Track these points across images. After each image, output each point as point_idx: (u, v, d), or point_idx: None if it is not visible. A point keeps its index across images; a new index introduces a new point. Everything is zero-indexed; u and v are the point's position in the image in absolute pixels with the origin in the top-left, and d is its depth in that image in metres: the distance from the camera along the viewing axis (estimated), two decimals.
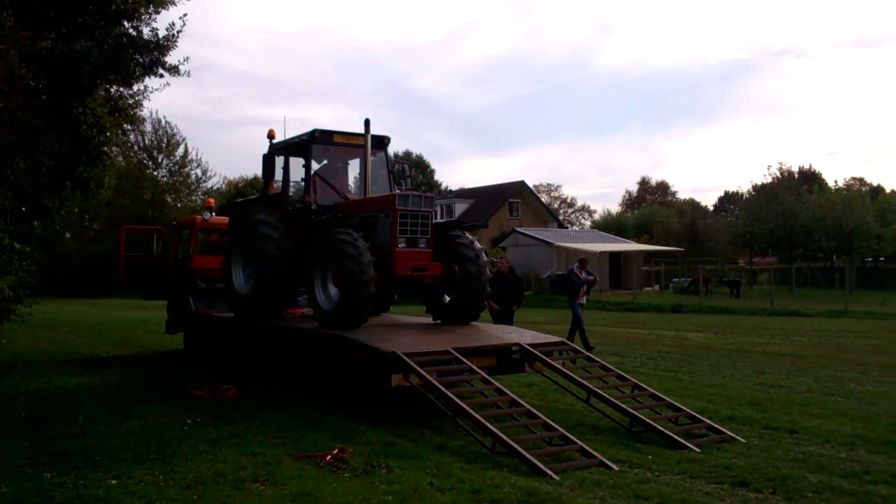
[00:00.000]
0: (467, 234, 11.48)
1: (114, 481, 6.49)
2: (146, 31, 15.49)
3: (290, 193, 12.26)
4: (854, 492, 6.31)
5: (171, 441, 7.86)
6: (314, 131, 11.62)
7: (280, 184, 12.36)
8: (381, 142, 12.37)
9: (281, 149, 12.29)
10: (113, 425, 8.70)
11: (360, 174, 12.34)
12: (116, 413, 9.42)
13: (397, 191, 11.66)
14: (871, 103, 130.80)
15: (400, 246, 10.42)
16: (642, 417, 8.41)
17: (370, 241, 10.30)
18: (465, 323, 11.46)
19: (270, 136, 12.38)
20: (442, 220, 11.84)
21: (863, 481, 6.63)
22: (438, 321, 11.69)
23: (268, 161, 12.18)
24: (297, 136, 11.93)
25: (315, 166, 12.00)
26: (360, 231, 10.26)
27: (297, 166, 12.15)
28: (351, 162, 12.86)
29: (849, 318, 26.67)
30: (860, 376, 12.61)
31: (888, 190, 62.52)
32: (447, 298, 11.47)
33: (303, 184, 11.93)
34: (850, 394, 10.96)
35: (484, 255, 11.38)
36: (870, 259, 54.68)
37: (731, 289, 40.72)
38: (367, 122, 11.40)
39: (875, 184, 73.05)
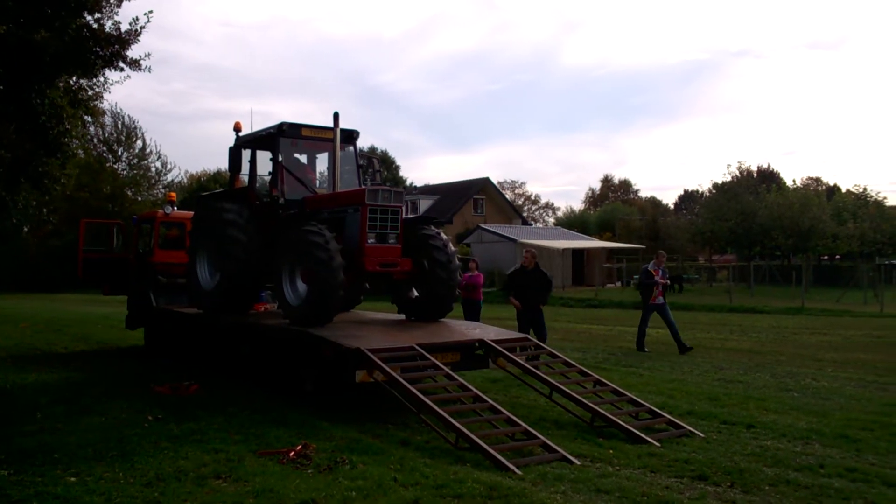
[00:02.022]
0: (437, 230, 11.40)
1: (73, 479, 6.40)
2: (108, 24, 15.28)
3: (257, 187, 12.07)
4: (809, 485, 6.45)
5: (132, 438, 7.77)
6: (282, 124, 11.42)
7: (247, 177, 12.17)
8: (350, 136, 12.17)
9: (247, 142, 12.07)
10: (72, 422, 8.56)
11: (328, 168, 12.16)
12: (75, 410, 9.27)
13: (366, 185, 11.56)
14: (827, 104, 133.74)
15: (369, 241, 10.31)
16: (604, 412, 8.50)
17: (339, 236, 10.19)
18: (435, 319, 11.41)
19: (237, 128, 12.17)
20: (412, 216, 11.75)
21: (818, 474, 6.78)
22: (411, 318, 11.62)
23: (234, 154, 11.94)
24: (265, 129, 11.74)
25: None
26: (328, 226, 10.13)
27: (264, 160, 11.96)
28: (318, 156, 12.70)
29: (805, 315, 27.18)
30: (816, 372, 12.87)
31: (844, 189, 63.72)
32: (415, 293, 11.43)
33: (269, 178, 11.75)
34: (805, 389, 11.19)
35: (454, 251, 11.31)
36: (826, 257, 55.85)
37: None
38: (336, 116, 11.23)
39: (831, 183, 74.51)
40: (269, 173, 11.74)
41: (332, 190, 11.52)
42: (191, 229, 12.78)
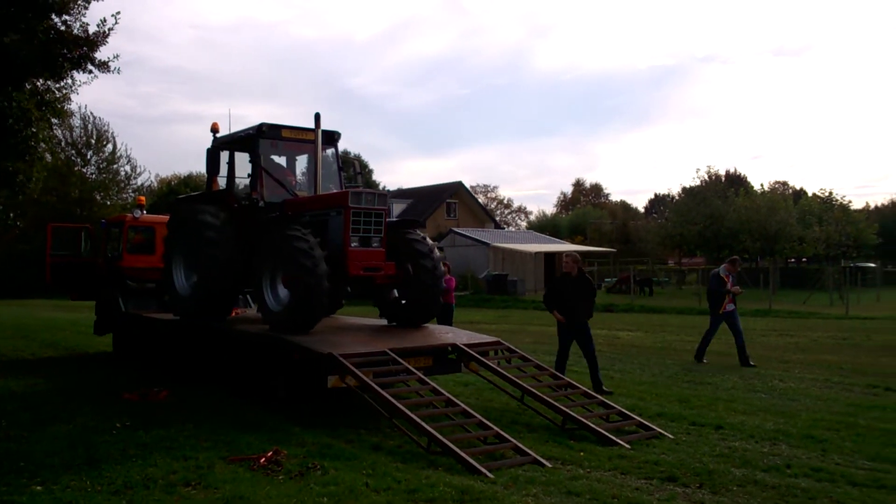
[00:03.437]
0: (424, 235, 11.17)
1: (39, 487, 6.30)
2: (76, 25, 15.14)
3: (236, 189, 11.73)
4: (776, 485, 6.54)
5: (100, 445, 7.67)
6: (261, 125, 11.10)
7: (225, 179, 11.83)
8: (332, 137, 11.86)
9: (226, 143, 11.73)
10: (38, 430, 8.44)
11: (309, 170, 11.87)
12: (42, 417, 9.14)
13: (349, 188, 11.25)
14: (792, 110, 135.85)
15: (353, 245, 10.06)
16: (575, 415, 8.55)
17: (321, 239, 9.92)
18: (419, 325, 11.17)
19: (214, 129, 11.82)
20: (395, 219, 11.38)
21: (784, 475, 6.88)
22: (393, 323, 11.43)
23: (212, 156, 11.61)
24: (243, 130, 11.43)
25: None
26: (310, 229, 9.88)
27: (242, 161, 11.63)
28: (298, 158, 12.40)
29: (772, 316, 27.54)
30: (783, 373, 13.04)
31: (810, 193, 64.71)
32: (395, 293, 11.22)
33: (248, 180, 11.41)
34: (773, 390, 11.34)
35: (439, 254, 11.07)
36: (793, 260, 56.70)
37: (643, 287, 41.85)
38: (317, 117, 10.97)
39: (798, 187, 75.70)
40: (249, 175, 11.41)
41: (312, 192, 11.25)
42: (167, 233, 12.41)
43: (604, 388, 10.74)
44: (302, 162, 12.51)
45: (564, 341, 11.65)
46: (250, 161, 11.32)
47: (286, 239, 9.60)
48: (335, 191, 11.51)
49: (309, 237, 9.60)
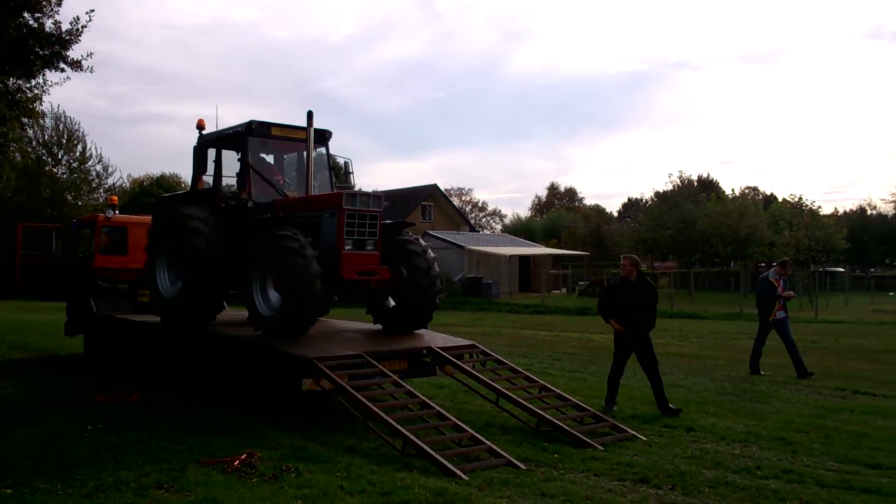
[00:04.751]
0: (416, 236, 10.94)
1: (9, 490, 6.24)
2: (48, 23, 14.96)
3: (223, 189, 11.39)
4: (747, 486, 6.63)
5: (71, 448, 7.60)
6: (251, 122, 10.77)
7: (211, 178, 11.49)
8: (323, 136, 11.50)
9: (213, 140, 11.35)
10: (8, 432, 8.34)
11: (299, 170, 11.57)
12: (12, 419, 9.04)
13: (340, 188, 10.98)
14: (762, 116, 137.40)
15: (346, 248, 9.77)
16: (549, 417, 8.60)
17: (314, 242, 9.57)
18: (413, 330, 10.87)
19: (200, 126, 11.43)
20: (388, 221, 10.92)
21: (755, 476, 6.97)
22: (385, 327, 11.16)
23: (198, 154, 11.24)
24: (232, 128, 11.08)
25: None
26: (302, 231, 9.57)
27: (229, 160, 11.30)
28: (287, 157, 12.09)
29: (744, 320, 27.77)
30: (753, 376, 13.20)
31: (780, 198, 65.50)
32: (391, 302, 10.95)
33: (236, 179, 11.12)
34: (743, 393, 11.47)
35: (434, 257, 10.79)
36: (763, 264, 57.21)
37: None
38: (309, 115, 10.62)
39: (768, 192, 76.60)
40: (237, 174, 11.10)
41: (303, 192, 10.93)
42: (150, 233, 11.94)
43: (670, 405, 9.85)
44: (290, 161, 12.16)
45: (621, 354, 10.36)
46: (239, 159, 11.00)
47: (278, 241, 9.28)
48: (327, 191, 11.22)
49: (302, 240, 9.27)
